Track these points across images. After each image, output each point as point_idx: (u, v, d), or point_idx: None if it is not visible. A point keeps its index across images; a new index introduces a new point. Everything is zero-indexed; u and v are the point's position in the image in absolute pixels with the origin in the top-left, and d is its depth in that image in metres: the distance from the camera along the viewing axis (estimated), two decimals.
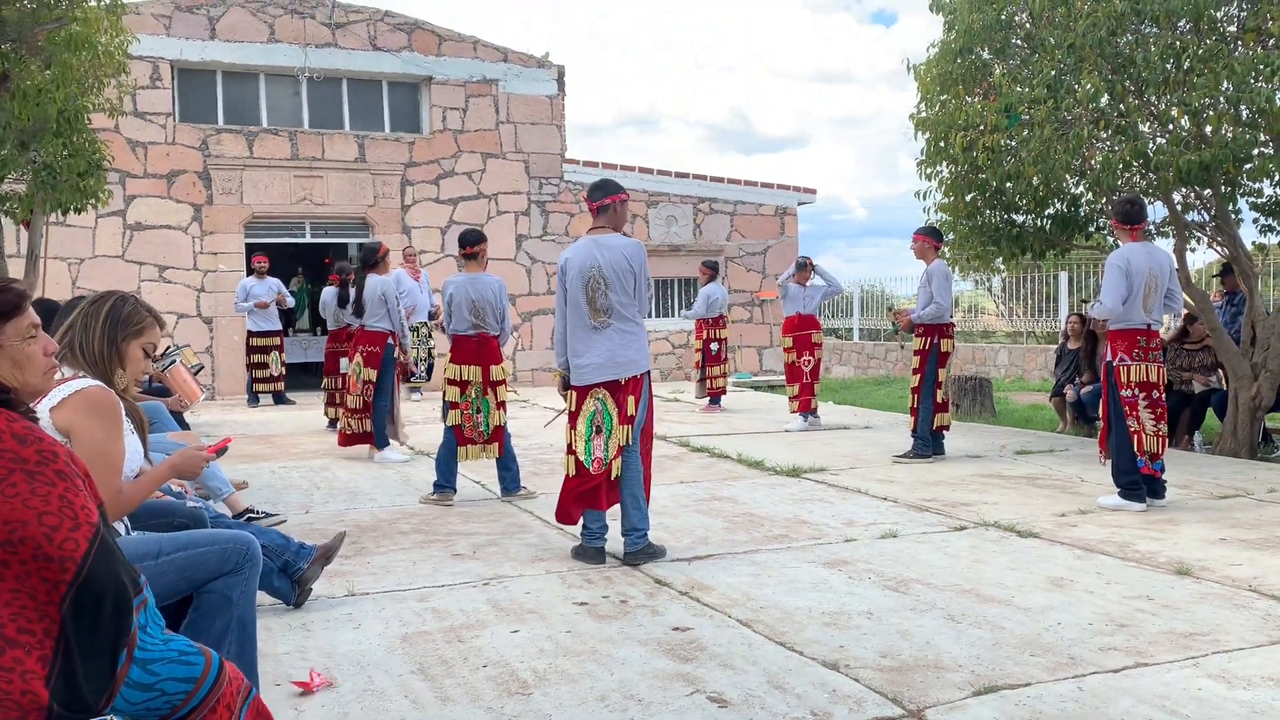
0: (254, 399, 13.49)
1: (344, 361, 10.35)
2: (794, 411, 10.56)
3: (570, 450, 5.21)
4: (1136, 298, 6.22)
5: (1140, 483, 6.23)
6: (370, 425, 8.55)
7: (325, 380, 10.58)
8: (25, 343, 2.13)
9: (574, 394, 5.22)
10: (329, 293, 10.67)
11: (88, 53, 8.57)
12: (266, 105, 15.43)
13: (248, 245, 14.95)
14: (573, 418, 5.21)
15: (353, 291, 10.48)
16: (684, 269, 17.26)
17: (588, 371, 5.15)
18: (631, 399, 5.14)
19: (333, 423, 10.61)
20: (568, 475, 5.22)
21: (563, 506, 5.26)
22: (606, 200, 5.25)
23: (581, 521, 5.24)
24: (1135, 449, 6.21)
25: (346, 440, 8.67)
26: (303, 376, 15.90)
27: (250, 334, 13.28)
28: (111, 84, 9.44)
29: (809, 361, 10.51)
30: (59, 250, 13.69)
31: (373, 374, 8.49)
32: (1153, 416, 6.27)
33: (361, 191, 15.48)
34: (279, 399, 13.44)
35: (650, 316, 5.45)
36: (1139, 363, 6.26)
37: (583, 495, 5.16)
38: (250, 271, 13.74)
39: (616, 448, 5.10)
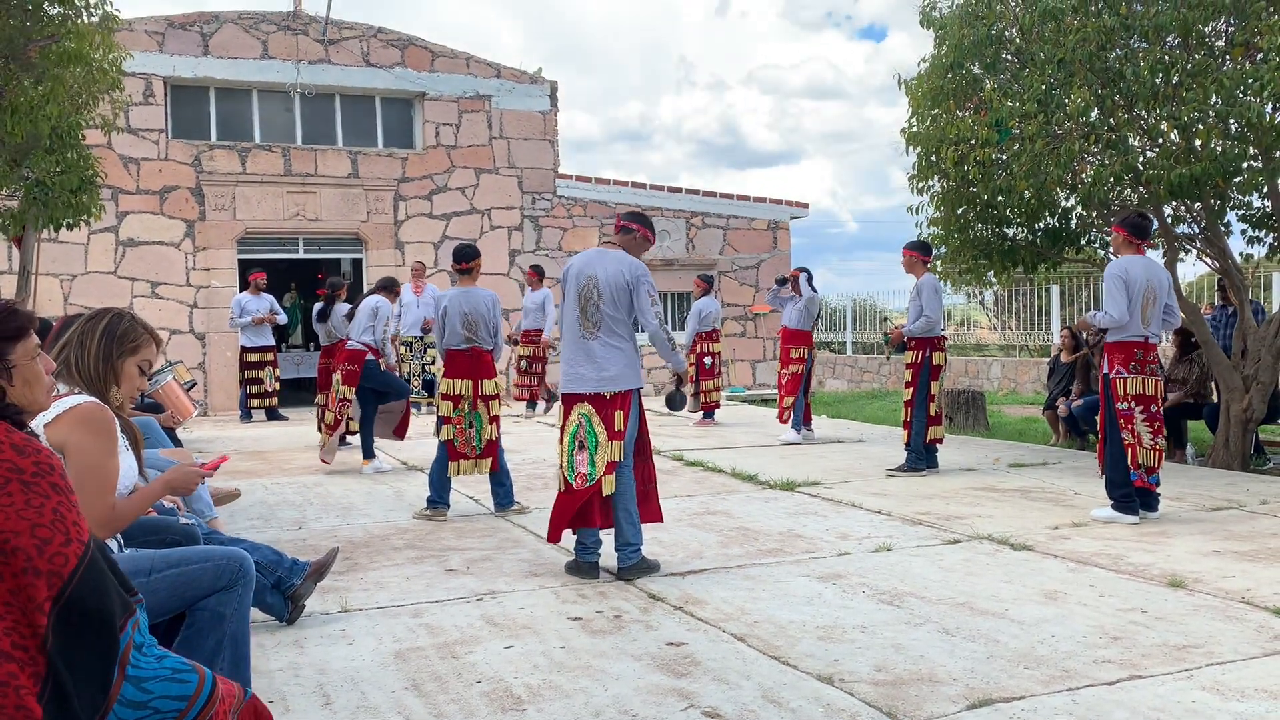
0: (246, 414, 13.47)
1: (335, 377, 10.38)
2: (781, 421, 10.68)
3: (558, 465, 5.20)
4: (1135, 309, 6.22)
5: (1133, 496, 6.24)
6: (334, 441, 8.74)
7: (319, 396, 10.58)
8: (33, 362, 2.18)
9: (561, 408, 5.21)
10: (319, 308, 10.68)
11: (81, 69, 8.58)
12: (259, 121, 15.46)
13: (240, 261, 14.95)
14: (561, 432, 5.20)
15: (337, 306, 10.60)
16: (677, 283, 17.30)
17: (571, 380, 5.15)
18: (620, 414, 5.09)
19: (340, 437, 10.61)
20: (559, 491, 5.20)
21: (550, 523, 5.22)
22: (633, 225, 5.31)
23: (576, 536, 5.22)
24: (1129, 462, 6.22)
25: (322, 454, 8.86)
26: (296, 392, 15.88)
27: (244, 349, 13.28)
28: (105, 100, 9.45)
29: (785, 375, 10.62)
30: (51, 266, 13.67)
31: (350, 391, 8.58)
32: (1150, 430, 6.27)
33: (354, 207, 15.49)
34: (272, 414, 13.43)
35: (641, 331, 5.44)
36: (1136, 376, 6.26)
37: (574, 514, 5.11)
38: (245, 287, 13.74)
39: (606, 464, 5.05)
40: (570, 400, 5.16)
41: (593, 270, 5.14)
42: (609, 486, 5.05)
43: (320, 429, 10.58)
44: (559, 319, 5.37)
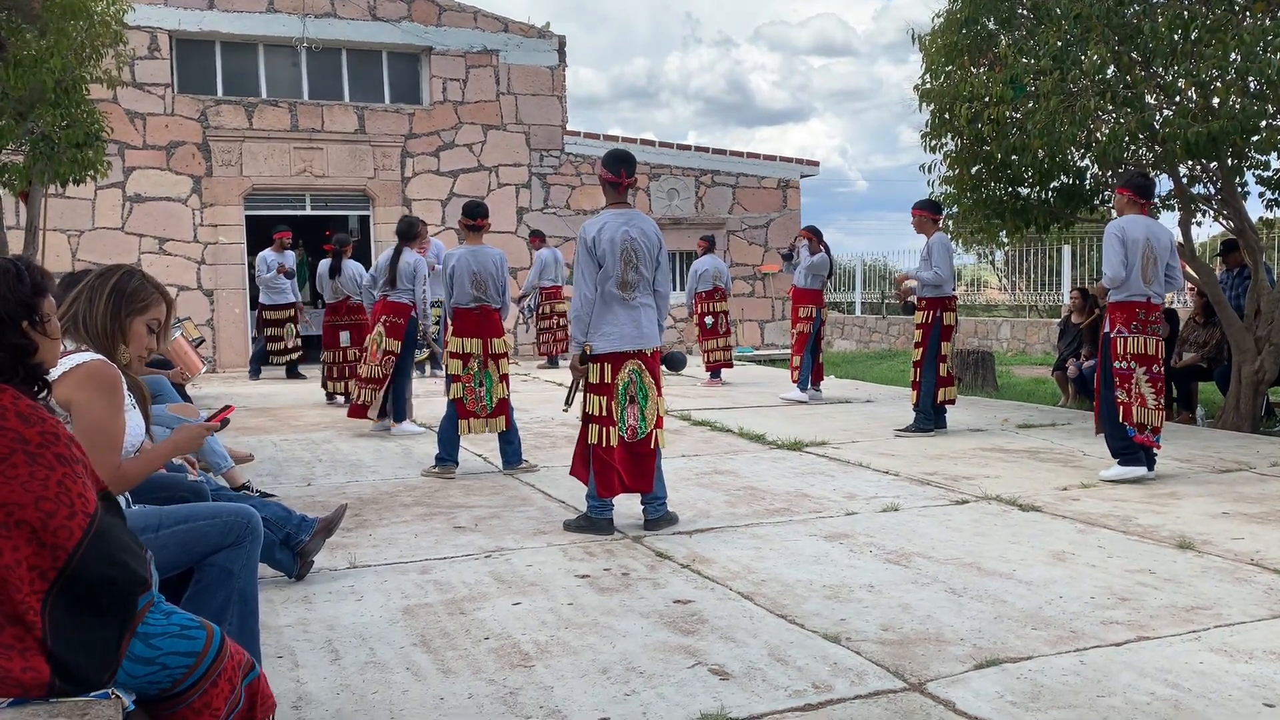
0: (256, 372, 13.43)
1: (343, 335, 10.29)
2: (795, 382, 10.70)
3: (603, 421, 5.12)
4: (1134, 268, 6.21)
5: (1136, 447, 6.27)
6: (379, 397, 8.37)
7: (325, 354, 10.53)
8: (55, 318, 2.20)
9: (606, 365, 5.15)
10: (325, 265, 10.57)
11: (84, 21, 8.50)
12: (266, 76, 15.34)
13: (248, 217, 14.91)
14: (607, 389, 5.14)
15: (347, 263, 10.41)
16: (686, 242, 17.18)
17: (619, 339, 5.13)
18: (656, 370, 5.25)
19: (330, 395, 10.55)
20: (598, 446, 5.12)
21: (603, 479, 5.13)
22: (631, 181, 5.27)
23: (586, 494, 5.24)
24: (1121, 418, 6.23)
25: (356, 411, 8.44)
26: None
27: (264, 306, 13.12)
28: (109, 54, 9.36)
29: (793, 335, 10.64)
30: (58, 222, 13.65)
31: (396, 345, 8.25)
32: (1153, 390, 6.27)
33: (361, 163, 15.41)
34: (291, 372, 13.33)
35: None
36: (1137, 335, 6.27)
37: (634, 473, 5.14)
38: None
39: (657, 418, 5.17)
40: (618, 358, 5.14)
41: (631, 233, 5.13)
42: (663, 440, 5.22)
43: (325, 387, 10.55)
44: (573, 277, 5.27)
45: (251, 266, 15.17)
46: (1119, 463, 6.29)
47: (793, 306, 10.82)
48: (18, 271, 2.12)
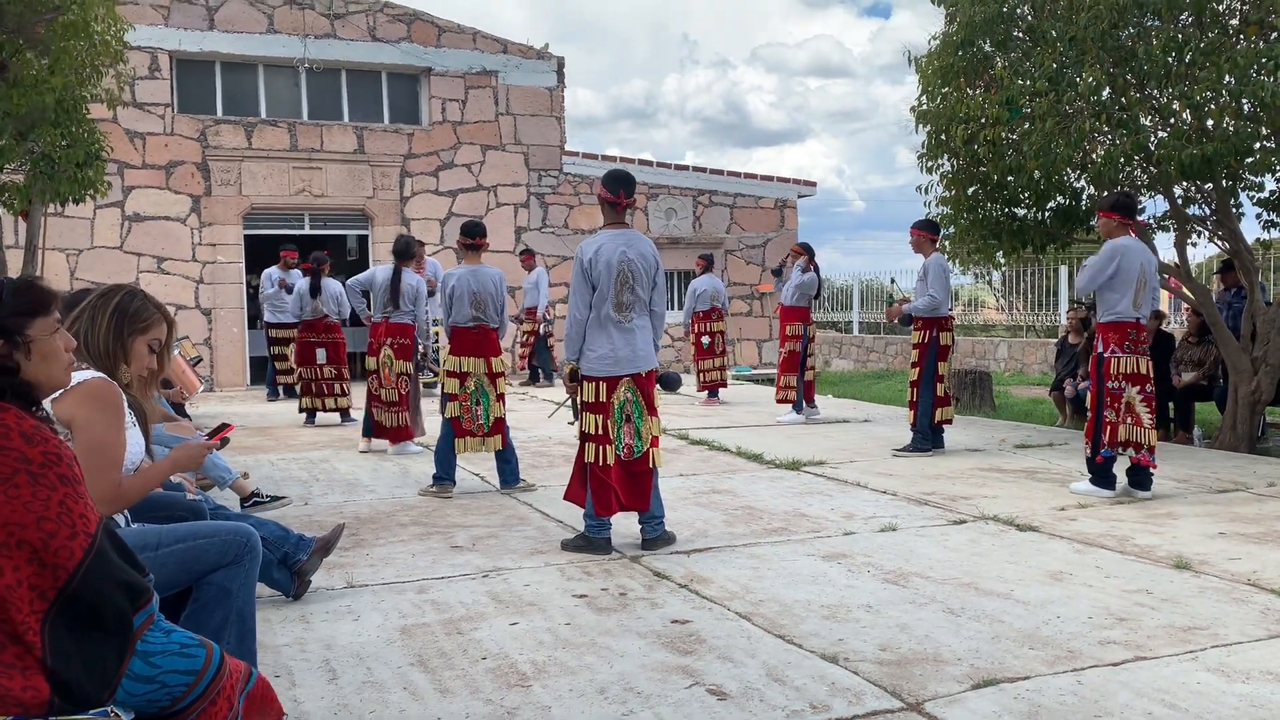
0: (274, 392, 13.28)
1: (320, 352, 10.27)
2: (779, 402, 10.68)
3: (599, 439, 5.12)
4: (1128, 291, 6.28)
5: (1109, 471, 6.37)
6: (410, 418, 8.45)
7: (301, 370, 10.45)
8: (52, 338, 2.17)
9: (601, 384, 5.15)
10: (304, 284, 10.54)
11: (84, 41, 8.55)
12: (265, 96, 15.41)
13: (246, 237, 14.93)
14: (603, 408, 5.14)
15: (326, 281, 10.36)
16: (684, 261, 17.23)
17: (614, 363, 5.13)
18: (651, 391, 5.24)
19: (308, 413, 10.45)
20: (595, 464, 5.12)
21: (600, 498, 5.14)
22: (630, 202, 5.28)
23: (584, 513, 5.24)
24: (1104, 439, 6.31)
25: (395, 435, 8.43)
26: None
27: (268, 325, 13.06)
28: (110, 74, 9.41)
29: (782, 354, 10.67)
30: (57, 241, 13.67)
31: (408, 366, 8.37)
32: (1148, 409, 6.32)
33: (360, 183, 15.46)
34: (289, 391, 13.27)
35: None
36: (1129, 355, 6.35)
37: (631, 491, 5.14)
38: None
39: (652, 438, 5.17)
40: (612, 380, 5.15)
41: (630, 254, 5.13)
42: (659, 459, 5.22)
43: (302, 404, 10.42)
44: (568, 297, 5.31)
45: (249, 285, 15.22)
46: (1090, 480, 6.45)
47: (780, 325, 10.85)
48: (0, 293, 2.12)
